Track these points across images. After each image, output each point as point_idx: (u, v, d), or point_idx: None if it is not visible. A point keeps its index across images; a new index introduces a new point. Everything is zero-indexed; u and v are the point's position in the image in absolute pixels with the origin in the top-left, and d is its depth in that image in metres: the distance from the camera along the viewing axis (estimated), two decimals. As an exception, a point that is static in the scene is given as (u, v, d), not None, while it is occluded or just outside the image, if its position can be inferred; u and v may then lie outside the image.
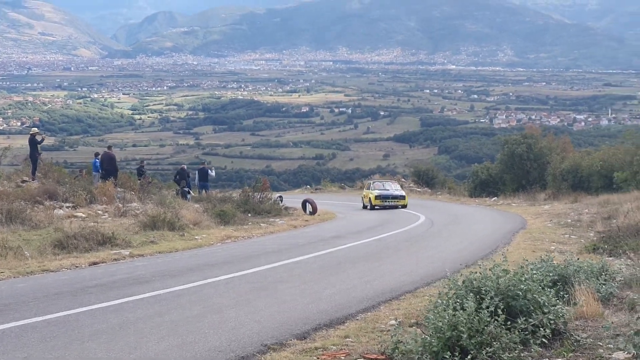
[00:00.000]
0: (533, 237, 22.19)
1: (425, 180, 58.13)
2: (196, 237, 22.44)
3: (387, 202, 41.72)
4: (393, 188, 43.89)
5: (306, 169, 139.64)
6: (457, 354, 7.41)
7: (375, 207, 41.62)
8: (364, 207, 42.99)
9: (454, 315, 7.66)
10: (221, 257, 17.87)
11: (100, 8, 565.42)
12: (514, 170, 47.65)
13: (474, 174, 52.86)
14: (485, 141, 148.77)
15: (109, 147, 33.80)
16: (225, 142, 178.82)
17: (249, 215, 30.43)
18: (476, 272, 8.76)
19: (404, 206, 41.19)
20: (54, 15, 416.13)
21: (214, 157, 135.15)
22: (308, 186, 71.31)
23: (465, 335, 7.47)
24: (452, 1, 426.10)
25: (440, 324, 7.63)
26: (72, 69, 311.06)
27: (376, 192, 42.56)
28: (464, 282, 8.63)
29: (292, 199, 43.84)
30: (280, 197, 37.82)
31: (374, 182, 46.43)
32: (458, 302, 8.12)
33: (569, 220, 27.25)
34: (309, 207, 35.38)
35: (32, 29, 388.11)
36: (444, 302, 8.22)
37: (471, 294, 8.11)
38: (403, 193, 43.06)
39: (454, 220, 30.70)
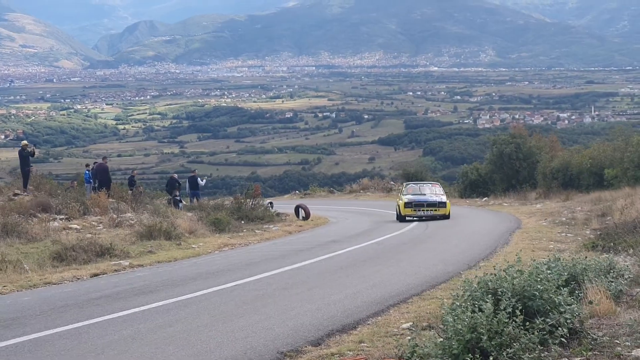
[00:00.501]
0: (530, 236, 22.24)
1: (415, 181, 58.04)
2: (193, 246, 22.43)
3: (420, 211, 32.53)
4: (431, 192, 34.26)
5: (292, 174, 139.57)
6: (477, 356, 7.41)
7: (407, 218, 32.66)
8: (397, 217, 33.87)
9: (473, 317, 7.66)
10: (222, 265, 17.84)
11: (81, 19, 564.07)
12: (504, 170, 47.78)
13: (463, 174, 52.93)
14: (470, 142, 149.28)
15: (104, 158, 33.78)
16: (210, 149, 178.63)
17: (242, 222, 30.42)
18: (491, 274, 8.78)
19: (445, 216, 32.35)
20: (34, 27, 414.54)
21: (199, 165, 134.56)
22: (297, 191, 71.24)
23: (485, 337, 7.48)
24: (431, 3, 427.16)
25: (460, 326, 7.63)
26: (55, 80, 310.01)
27: (407, 198, 33.18)
28: (478, 283, 8.64)
29: (283, 204, 43.57)
30: (271, 203, 37.71)
31: (408, 185, 36.71)
32: (475, 304, 8.13)
33: (564, 219, 27.32)
34: (301, 213, 35.32)
35: (13, 41, 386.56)
36: (461, 304, 8.22)
37: (489, 296, 8.13)
38: (444, 199, 33.42)
39: (446, 222, 30.72)
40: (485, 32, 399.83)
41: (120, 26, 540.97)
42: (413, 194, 33.92)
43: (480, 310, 7.82)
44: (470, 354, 7.42)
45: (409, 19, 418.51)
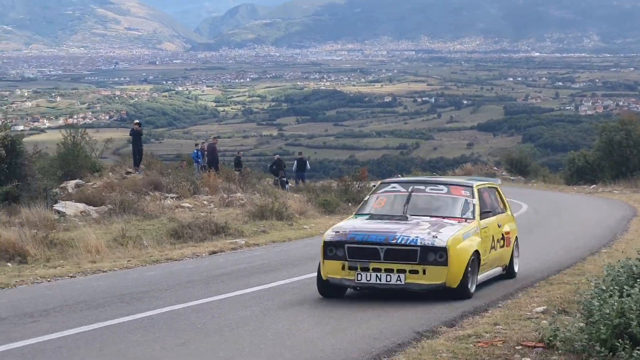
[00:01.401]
0: (649, 224, 21.70)
1: (519, 168, 57.24)
2: (305, 227, 22.49)
3: (368, 274, 10.63)
4: (429, 209, 11.86)
5: (390, 158, 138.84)
6: (627, 341, 7.19)
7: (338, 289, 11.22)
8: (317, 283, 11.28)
9: (621, 301, 7.45)
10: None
11: (184, 2, 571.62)
12: (613, 158, 46.55)
13: (570, 161, 51.85)
14: (571, 128, 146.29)
15: (215, 138, 34.24)
16: (309, 132, 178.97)
17: (350, 204, 30.36)
18: (636, 258, 8.53)
19: (449, 290, 10.67)
20: (139, 10, 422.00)
21: (297, 148, 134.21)
22: (399, 175, 70.92)
23: (634, 323, 7.25)
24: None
25: (607, 310, 7.42)
26: (157, 62, 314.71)
27: (332, 233, 11.28)
28: (622, 267, 8.41)
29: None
30: (374, 186, 37.47)
31: (382, 187, 13.15)
32: (622, 288, 7.88)
33: (682, 207, 26.59)
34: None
35: (119, 24, 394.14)
36: (607, 288, 7.99)
37: (638, 280, 7.89)
38: (444, 237, 10.63)
39: (557, 208, 30.12)
40: (590, 17, 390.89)
41: (221, 9, 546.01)
42: (368, 219, 11.79)
43: (628, 295, 7.59)
44: (619, 339, 7.21)
45: (511, 3, 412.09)
